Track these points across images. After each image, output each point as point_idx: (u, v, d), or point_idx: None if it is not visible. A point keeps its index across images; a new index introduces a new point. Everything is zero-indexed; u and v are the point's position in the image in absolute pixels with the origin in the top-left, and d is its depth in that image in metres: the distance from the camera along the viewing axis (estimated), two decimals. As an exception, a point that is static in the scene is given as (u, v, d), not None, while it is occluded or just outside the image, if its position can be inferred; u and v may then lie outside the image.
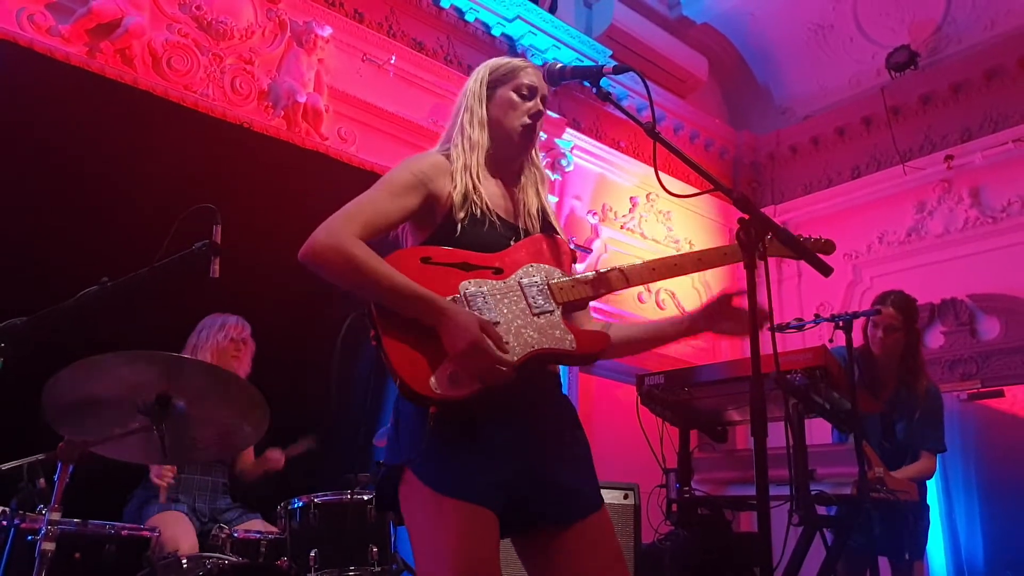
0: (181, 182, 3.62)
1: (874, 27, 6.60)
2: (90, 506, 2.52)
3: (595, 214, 6.09)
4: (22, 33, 3.72)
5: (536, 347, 1.66)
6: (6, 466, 2.26)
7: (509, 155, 1.89)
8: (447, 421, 1.58)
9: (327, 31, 4.65)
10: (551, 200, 2.01)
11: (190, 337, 3.38)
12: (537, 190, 1.92)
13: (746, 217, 1.57)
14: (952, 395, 6.15)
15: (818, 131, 7.04)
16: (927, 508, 3.41)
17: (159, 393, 2.16)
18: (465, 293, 1.67)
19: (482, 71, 1.92)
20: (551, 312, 1.73)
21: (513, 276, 1.74)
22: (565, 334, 1.71)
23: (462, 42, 5.43)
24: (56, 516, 2.05)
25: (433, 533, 1.58)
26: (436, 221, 1.76)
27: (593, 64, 2.24)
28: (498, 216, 1.80)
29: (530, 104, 1.86)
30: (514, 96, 1.86)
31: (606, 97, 1.83)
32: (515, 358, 1.61)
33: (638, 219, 6.38)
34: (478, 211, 1.76)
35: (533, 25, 5.61)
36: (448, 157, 1.83)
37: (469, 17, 5.47)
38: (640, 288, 6.24)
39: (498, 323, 1.65)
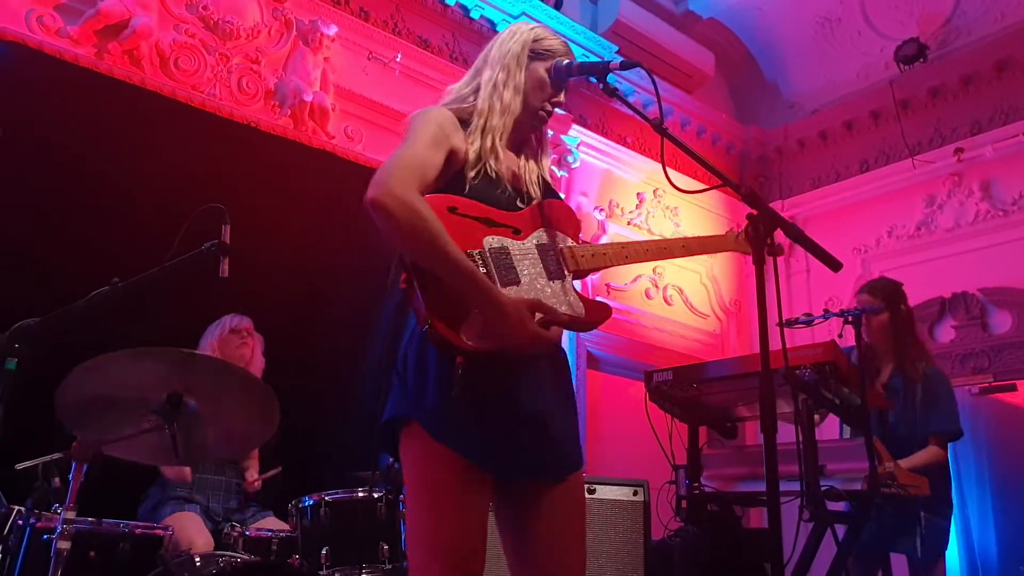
0: (189, 181, 3.64)
1: (882, 20, 6.56)
2: (105, 505, 2.54)
3: (602, 210, 6.08)
4: (31, 35, 3.74)
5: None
6: (21, 466, 2.28)
7: (526, 128, 1.89)
8: (469, 373, 1.59)
9: (333, 30, 4.66)
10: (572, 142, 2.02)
11: (200, 341, 3.40)
12: (540, 163, 1.93)
13: (754, 213, 1.57)
14: (964, 389, 6.12)
15: (826, 125, 7.00)
16: (944, 504, 3.26)
17: (170, 393, 2.17)
18: (489, 248, 1.68)
19: (525, 34, 1.88)
20: (563, 278, 1.76)
21: (530, 238, 1.76)
22: (577, 301, 1.76)
23: (468, 39, 5.43)
24: (71, 515, 2.07)
25: (430, 492, 1.62)
26: (448, 176, 1.74)
27: (599, 60, 2.23)
28: (510, 181, 1.81)
29: (558, 98, 1.87)
30: (546, 78, 1.85)
31: (613, 93, 1.83)
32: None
33: (645, 215, 6.37)
34: (492, 172, 1.76)
35: (538, 21, 5.60)
36: (459, 114, 1.81)
37: (474, 14, 5.47)
38: (648, 284, 6.23)
39: (519, 283, 1.68)
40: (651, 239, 2.01)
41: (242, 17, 4.41)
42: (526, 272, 1.70)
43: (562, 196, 1.99)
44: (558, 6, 5.81)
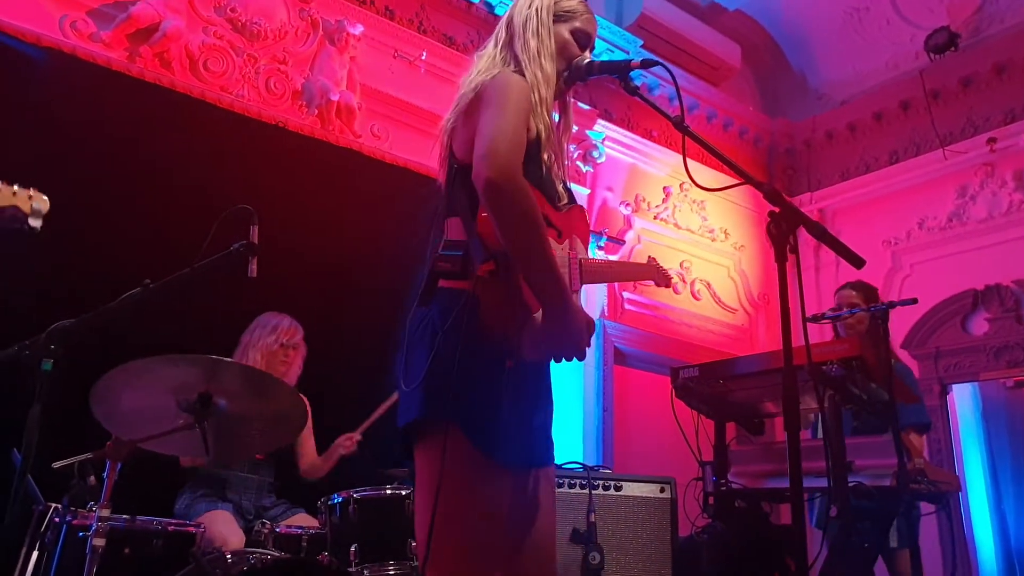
0: (218, 181, 3.69)
1: (912, 9, 6.46)
2: (140, 503, 2.59)
3: (628, 205, 6.06)
4: (65, 40, 3.81)
5: None
6: (58, 464, 2.34)
7: (557, 96, 1.85)
8: (514, 377, 1.58)
9: (358, 29, 4.70)
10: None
11: (244, 335, 3.44)
12: (560, 147, 1.88)
13: (776, 210, 1.56)
14: (998, 383, 6.03)
15: (855, 116, 6.92)
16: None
17: (200, 393, 2.23)
18: None
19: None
20: (577, 291, 1.77)
21: (565, 244, 1.77)
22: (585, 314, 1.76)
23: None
24: (106, 513, 2.13)
25: (471, 492, 1.55)
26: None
27: (622, 57, 2.23)
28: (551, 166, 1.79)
29: (584, 53, 1.84)
30: (570, 38, 1.82)
31: (634, 92, 1.82)
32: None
33: (672, 209, 6.34)
34: (551, 157, 1.74)
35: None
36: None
37: (499, 11, 5.47)
38: (675, 279, 6.21)
39: None
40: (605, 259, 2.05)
41: (269, 18, 4.46)
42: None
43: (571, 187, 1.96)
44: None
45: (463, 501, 1.55)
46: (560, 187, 1.82)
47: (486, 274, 1.54)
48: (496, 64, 1.78)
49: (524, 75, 1.73)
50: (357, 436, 3.47)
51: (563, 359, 1.59)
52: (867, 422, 3.13)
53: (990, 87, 6.16)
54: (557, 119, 1.91)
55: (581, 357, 1.60)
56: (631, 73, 1.82)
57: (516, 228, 1.50)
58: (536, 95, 1.70)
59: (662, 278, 2.43)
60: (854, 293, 3.58)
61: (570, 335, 1.55)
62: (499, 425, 1.56)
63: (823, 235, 1.57)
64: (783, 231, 1.54)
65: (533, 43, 1.76)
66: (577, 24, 1.84)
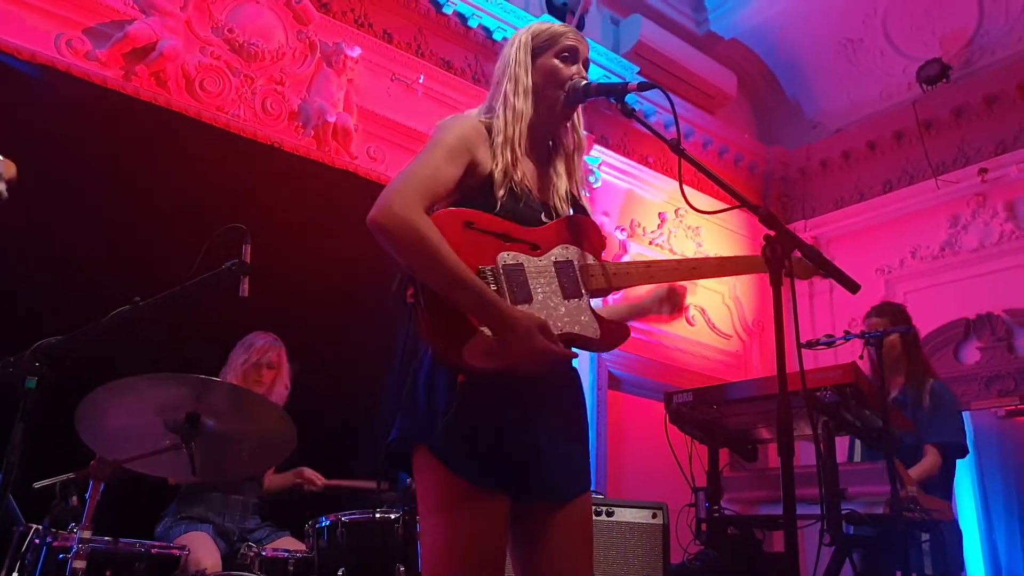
0: (213, 201, 3.69)
1: (905, 40, 6.53)
2: (121, 525, 2.55)
3: (623, 230, 6.07)
4: (60, 58, 3.82)
5: (564, 330, 1.67)
6: (39, 484, 2.30)
7: (551, 123, 1.87)
8: (472, 393, 1.59)
9: (356, 52, 4.72)
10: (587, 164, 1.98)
11: (230, 354, 3.42)
12: (569, 164, 1.90)
13: (772, 234, 1.56)
14: (990, 412, 6.02)
15: (849, 145, 6.96)
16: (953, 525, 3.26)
17: (188, 412, 2.20)
18: (502, 265, 1.66)
19: (524, 36, 1.88)
20: (579, 297, 1.73)
21: (548, 255, 1.74)
22: (591, 321, 1.72)
23: (490, 61, 5.46)
24: (87, 534, 2.09)
25: (445, 520, 1.60)
26: (473, 187, 1.73)
27: (619, 81, 2.22)
28: (534, 192, 1.80)
29: (574, 69, 1.84)
30: (556, 62, 1.83)
31: (631, 114, 1.81)
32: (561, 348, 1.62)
33: (667, 235, 6.35)
34: (517, 188, 1.75)
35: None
36: (488, 128, 1.80)
37: (497, 36, 5.51)
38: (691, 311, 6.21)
39: (531, 301, 1.66)
40: (678, 258, 1.96)
41: (267, 40, 4.47)
42: (540, 290, 1.68)
43: (590, 211, 1.95)
44: (580, 27, 5.85)
45: (429, 520, 1.63)
46: (556, 202, 1.84)
47: (411, 298, 1.61)
48: (481, 110, 1.87)
49: (496, 122, 1.80)
50: (320, 483, 3.42)
51: (526, 367, 1.58)
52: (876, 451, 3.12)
53: (981, 118, 6.22)
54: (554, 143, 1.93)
55: (540, 361, 1.57)
56: (627, 97, 1.82)
57: (407, 258, 1.59)
58: (501, 136, 1.76)
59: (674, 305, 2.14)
60: (876, 320, 3.60)
61: (512, 331, 1.55)
62: (459, 439, 1.59)
63: (818, 259, 1.57)
64: (778, 255, 1.54)
65: (507, 86, 1.82)
66: (560, 46, 1.85)
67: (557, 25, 1.90)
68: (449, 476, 1.59)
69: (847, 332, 3.29)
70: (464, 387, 1.58)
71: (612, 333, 1.76)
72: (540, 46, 1.86)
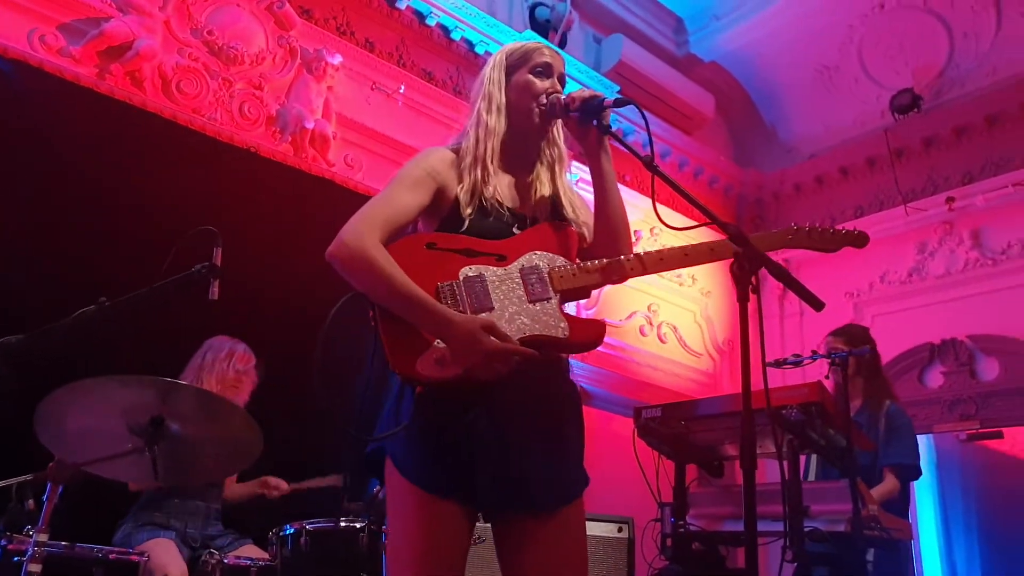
0: (187, 204, 3.65)
1: (879, 70, 6.66)
2: (80, 530, 2.50)
3: (597, 246, 6.09)
4: (32, 53, 3.76)
5: (527, 333, 1.67)
6: (-5, 485, 2.26)
7: (528, 137, 1.90)
8: (430, 404, 1.63)
9: (337, 59, 4.71)
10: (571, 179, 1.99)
11: (194, 358, 3.37)
12: (553, 175, 1.93)
13: (740, 251, 1.58)
14: (951, 435, 6.12)
15: (822, 170, 7.07)
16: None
17: (153, 416, 2.16)
18: (463, 278, 1.70)
19: (498, 56, 1.93)
20: (547, 300, 1.73)
21: (515, 264, 1.76)
22: (559, 321, 1.71)
23: (471, 73, 5.49)
24: (43, 538, 2.05)
25: (402, 525, 1.66)
26: (443, 214, 1.80)
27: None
28: (506, 207, 1.82)
29: (547, 83, 1.87)
30: (530, 77, 1.87)
31: (606, 131, 1.84)
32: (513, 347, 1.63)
33: (641, 252, 6.38)
34: (487, 204, 1.78)
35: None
36: (458, 152, 1.85)
37: (479, 49, 5.54)
38: (642, 321, 6.24)
39: (492, 308, 1.68)
40: (649, 251, 1.93)
41: (247, 43, 4.45)
42: (502, 297, 1.70)
43: (573, 219, 1.95)
44: (562, 45, 5.89)
45: (390, 526, 1.71)
46: (534, 212, 1.86)
47: (372, 320, 1.68)
48: (457, 139, 1.92)
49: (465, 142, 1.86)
50: (286, 487, 3.40)
51: (480, 371, 1.59)
52: (831, 469, 3.16)
53: (950, 148, 6.35)
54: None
55: (493, 362, 1.58)
56: (604, 115, 1.84)
57: (359, 282, 1.68)
58: (470, 157, 1.82)
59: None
60: (832, 339, 3.67)
61: (453, 336, 1.59)
62: (413, 447, 1.64)
63: (785, 277, 1.59)
64: (746, 271, 1.56)
65: (480, 105, 1.88)
66: (533, 62, 1.89)
67: (531, 43, 1.95)
68: (405, 484, 1.64)
69: (814, 352, 3.33)
70: (421, 398, 1.62)
71: (584, 330, 1.74)
72: (514, 64, 1.90)
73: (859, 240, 1.99)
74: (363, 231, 1.68)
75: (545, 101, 1.84)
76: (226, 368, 3.32)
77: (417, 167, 1.81)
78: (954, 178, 6.24)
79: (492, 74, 1.90)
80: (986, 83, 6.19)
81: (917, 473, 3.54)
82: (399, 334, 1.63)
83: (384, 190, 1.79)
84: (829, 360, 3.20)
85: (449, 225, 1.78)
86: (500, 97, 1.87)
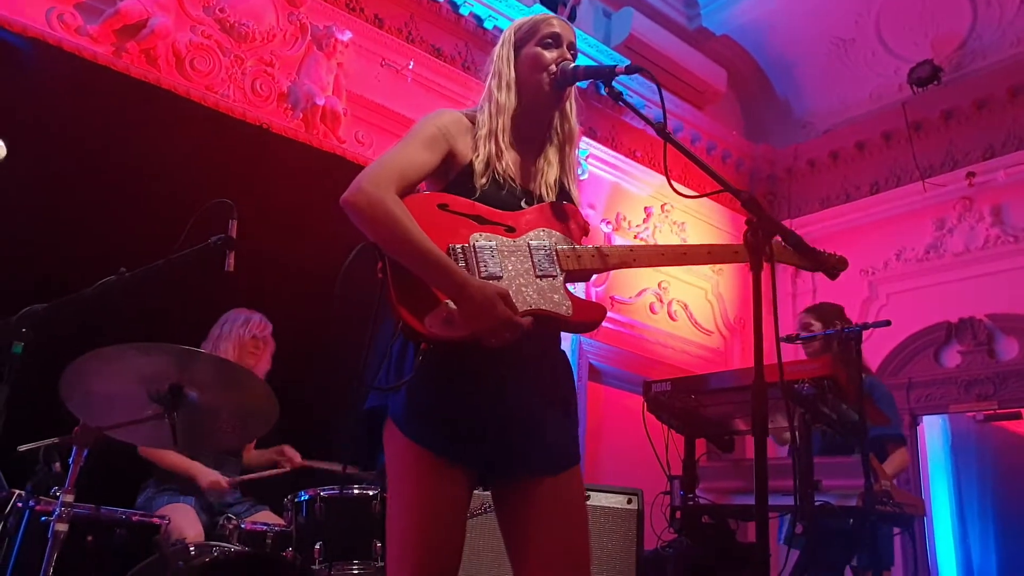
0: (201, 180, 3.69)
1: (897, 41, 6.56)
2: (101, 495, 2.56)
3: (608, 223, 6.10)
4: (51, 32, 3.80)
5: (533, 307, 1.69)
6: (23, 448, 2.31)
7: (540, 111, 1.90)
8: (436, 364, 1.62)
9: (347, 35, 4.71)
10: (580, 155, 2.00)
11: (212, 329, 3.45)
12: (562, 153, 1.93)
13: (753, 218, 1.57)
14: (968, 416, 6.09)
15: (837, 145, 7.00)
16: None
17: (172, 383, 2.21)
18: (475, 244, 1.71)
19: (507, 33, 1.94)
20: (553, 277, 1.75)
21: (524, 236, 1.77)
22: (564, 300, 1.74)
23: (480, 49, 5.47)
24: (70, 498, 2.10)
25: (403, 486, 1.65)
26: (449, 177, 1.80)
27: (604, 65, 2.22)
28: (517, 181, 1.83)
29: (556, 53, 1.86)
30: (539, 49, 1.87)
31: (618, 97, 1.82)
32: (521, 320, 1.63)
33: (652, 229, 6.38)
34: (500, 177, 1.79)
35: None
36: (472, 120, 1.85)
37: (488, 25, 5.52)
38: (653, 298, 6.24)
39: (500, 277, 1.69)
40: (664, 244, 1.95)
41: (258, 20, 4.46)
42: (511, 268, 1.71)
43: (577, 201, 1.96)
44: (572, 19, 5.86)
45: (391, 488, 1.69)
46: (541, 191, 1.86)
47: (380, 272, 1.66)
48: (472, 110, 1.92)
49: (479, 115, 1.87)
50: (299, 460, 3.44)
51: (487, 336, 1.60)
52: (832, 441, 3.16)
53: (970, 122, 6.25)
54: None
55: (502, 330, 1.59)
56: (619, 88, 1.84)
57: (374, 233, 1.65)
58: (484, 129, 1.82)
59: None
60: (808, 316, 3.65)
61: (469, 299, 1.59)
62: (417, 405, 1.64)
63: (798, 244, 1.59)
64: (759, 239, 1.56)
65: (492, 82, 1.88)
66: (542, 33, 1.88)
67: (539, 15, 1.94)
68: (407, 444, 1.64)
69: (814, 327, 3.34)
70: (427, 355, 1.61)
71: (586, 312, 1.77)
72: (522, 38, 1.90)
73: (840, 264, 1.99)
74: (381, 181, 1.67)
75: (555, 70, 1.84)
76: (243, 334, 3.39)
77: (431, 125, 1.80)
78: (975, 153, 6.15)
79: (501, 51, 1.90)
80: (1009, 54, 6.07)
81: (904, 442, 3.61)
82: (408, 289, 1.63)
83: (399, 144, 1.77)
84: (840, 336, 3.18)
85: (457, 190, 1.78)
86: (510, 73, 1.87)
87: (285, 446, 3.45)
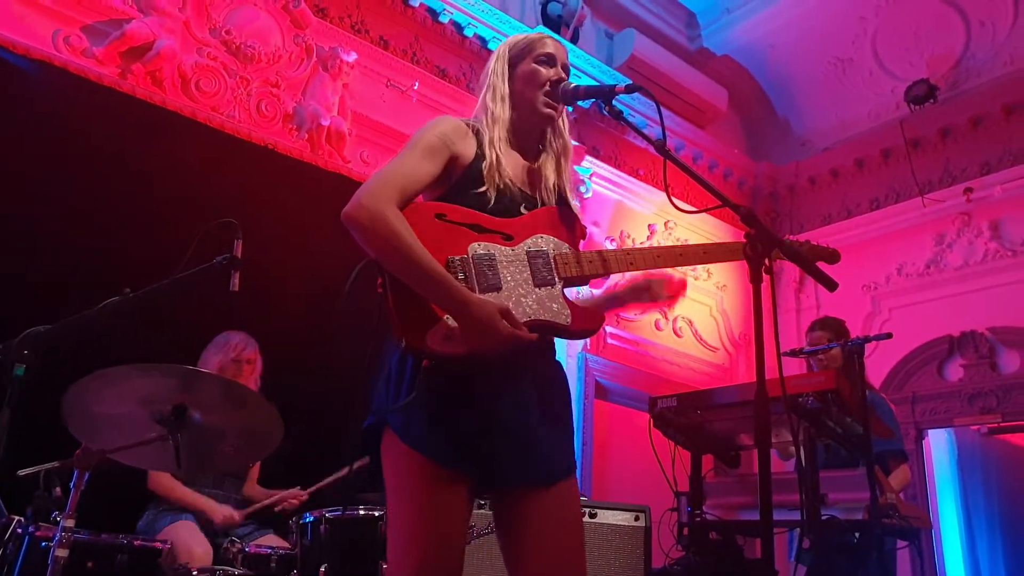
0: (207, 200, 3.70)
1: (893, 61, 6.62)
2: (102, 520, 2.55)
3: (612, 240, 6.11)
4: (57, 54, 3.83)
5: (532, 317, 1.69)
6: (24, 472, 2.30)
7: (534, 126, 1.92)
8: (436, 378, 1.62)
9: (352, 57, 4.76)
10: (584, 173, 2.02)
11: (202, 353, 3.42)
12: (558, 164, 1.94)
13: (752, 232, 1.58)
14: (972, 429, 6.07)
15: (837, 163, 7.04)
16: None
17: (175, 404, 2.20)
18: (473, 255, 1.70)
19: (502, 49, 1.96)
20: (552, 285, 1.76)
21: (522, 244, 1.77)
22: (563, 308, 1.74)
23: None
24: (70, 523, 2.08)
25: (403, 494, 1.64)
26: (451, 182, 1.80)
27: (605, 84, 2.25)
28: (517, 187, 1.84)
29: (551, 71, 1.89)
30: (535, 66, 1.89)
31: (618, 116, 1.84)
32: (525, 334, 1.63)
33: (656, 246, 6.39)
34: (500, 183, 1.79)
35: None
36: (471, 127, 1.86)
37: (492, 46, 5.56)
38: (657, 315, 6.24)
39: (500, 289, 1.69)
40: (661, 246, 1.96)
41: (263, 42, 4.50)
42: (510, 278, 1.71)
43: (574, 207, 1.98)
44: (574, 40, 5.91)
45: (391, 501, 1.68)
46: (543, 196, 1.88)
47: (381, 289, 1.66)
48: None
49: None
50: (304, 495, 3.39)
51: (488, 352, 1.60)
52: (836, 454, 3.15)
53: (967, 139, 6.30)
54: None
55: (502, 338, 1.59)
56: (616, 101, 1.86)
57: (374, 248, 1.64)
58: (487, 137, 1.83)
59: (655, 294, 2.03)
60: (821, 334, 3.64)
61: (469, 316, 1.59)
62: (419, 418, 1.63)
63: (797, 257, 1.60)
64: (759, 252, 1.57)
65: (488, 94, 1.91)
66: (537, 52, 1.91)
67: (534, 34, 1.97)
68: (408, 455, 1.63)
69: (830, 340, 3.33)
70: (428, 371, 1.61)
71: (585, 319, 1.77)
72: (518, 55, 1.93)
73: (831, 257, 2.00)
74: (381, 195, 1.66)
75: (550, 89, 1.87)
76: (223, 359, 3.34)
77: (432, 134, 1.80)
78: (972, 169, 6.19)
79: (496, 66, 1.93)
80: (1003, 72, 6.13)
81: (906, 458, 3.59)
82: (408, 305, 1.62)
83: (400, 155, 1.77)
84: (844, 348, 3.18)
85: (456, 196, 1.78)
86: (504, 87, 1.89)
87: (282, 492, 3.37)
